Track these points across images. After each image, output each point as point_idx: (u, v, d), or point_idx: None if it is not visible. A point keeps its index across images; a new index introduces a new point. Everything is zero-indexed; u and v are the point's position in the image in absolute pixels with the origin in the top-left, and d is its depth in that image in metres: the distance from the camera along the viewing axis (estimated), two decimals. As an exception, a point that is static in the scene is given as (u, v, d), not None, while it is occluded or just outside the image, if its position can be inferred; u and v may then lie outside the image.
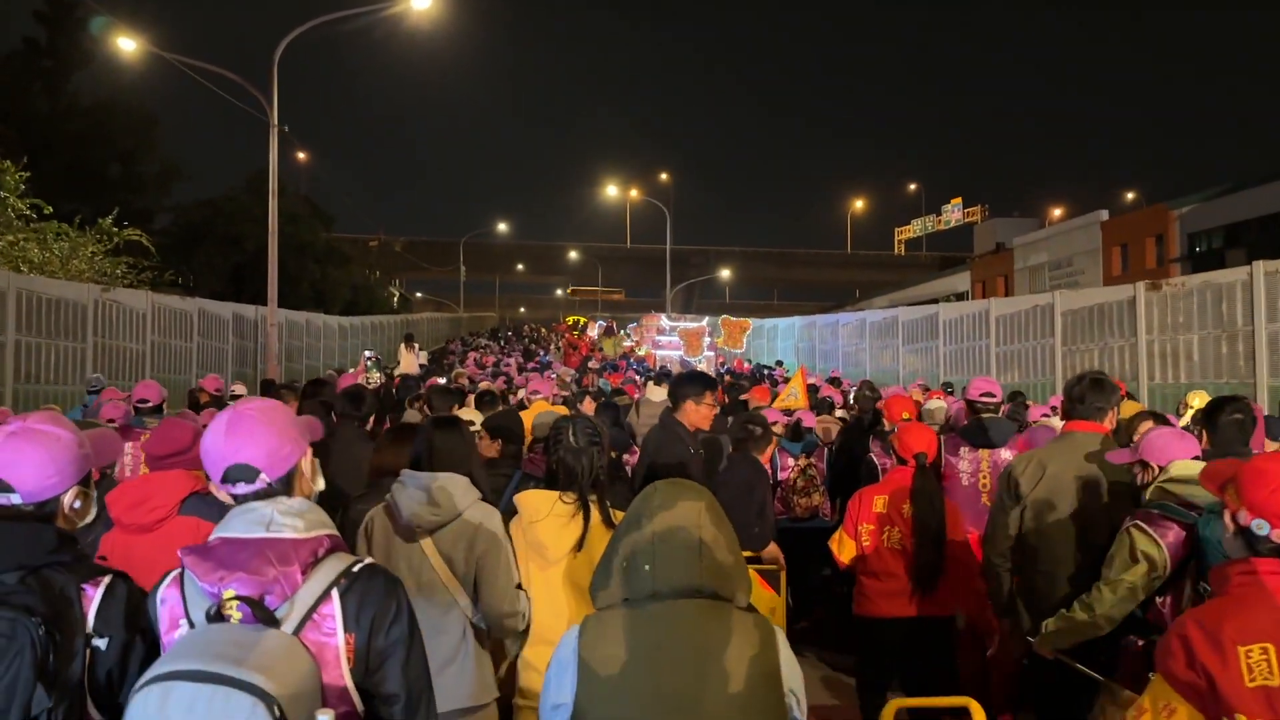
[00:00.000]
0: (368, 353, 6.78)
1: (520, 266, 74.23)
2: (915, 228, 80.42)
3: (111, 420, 5.83)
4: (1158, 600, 3.11)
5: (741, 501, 5.16)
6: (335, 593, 1.75)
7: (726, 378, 16.80)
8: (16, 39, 27.16)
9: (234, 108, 16.81)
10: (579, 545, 3.09)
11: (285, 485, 1.88)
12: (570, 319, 39.64)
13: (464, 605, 2.99)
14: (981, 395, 5.71)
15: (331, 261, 32.66)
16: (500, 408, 6.83)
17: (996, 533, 3.91)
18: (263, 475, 1.83)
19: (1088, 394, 3.86)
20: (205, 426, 2.00)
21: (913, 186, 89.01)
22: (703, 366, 23.36)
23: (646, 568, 1.91)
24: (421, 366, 22.90)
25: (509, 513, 3.24)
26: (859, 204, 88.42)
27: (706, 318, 29.56)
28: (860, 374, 19.51)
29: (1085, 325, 13.72)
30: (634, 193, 57.62)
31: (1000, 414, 6.02)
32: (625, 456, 6.39)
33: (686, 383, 4.99)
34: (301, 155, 52.85)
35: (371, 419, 6.30)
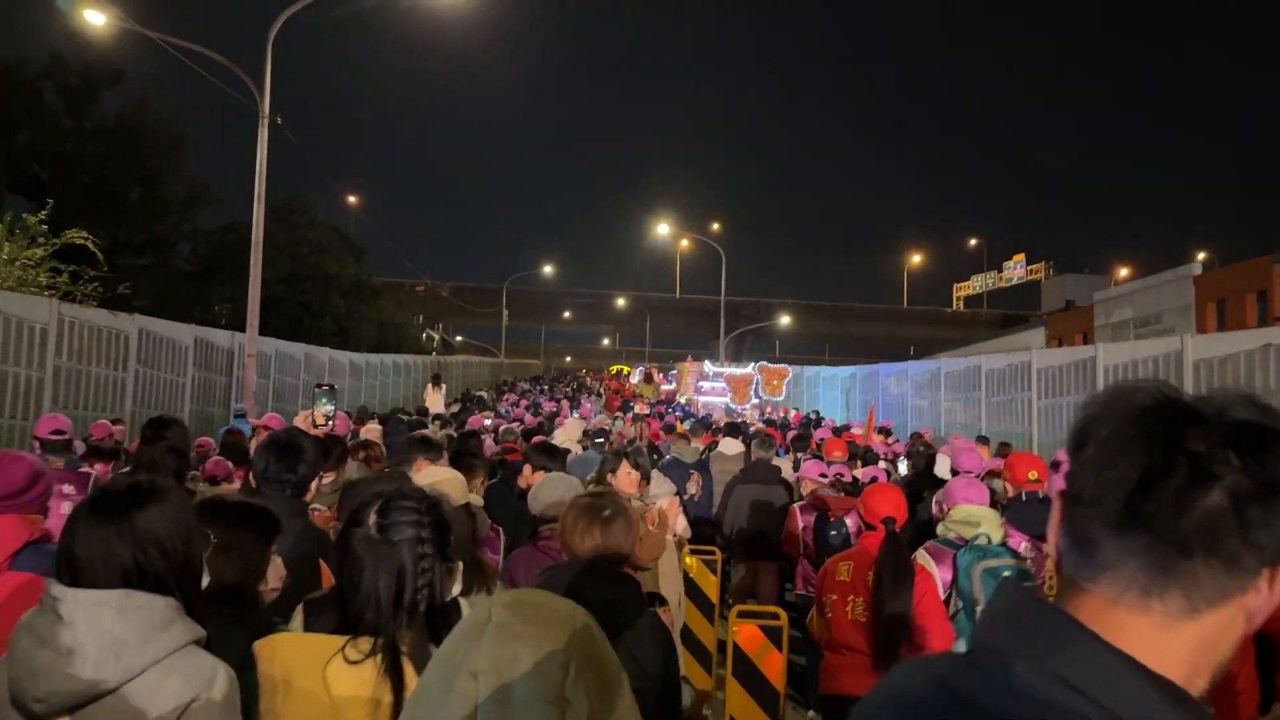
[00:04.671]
0: (320, 387, 4.66)
1: (567, 314, 72.85)
2: (974, 284, 79.05)
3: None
4: None
5: None
6: None
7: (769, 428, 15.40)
8: (44, 53, 25.75)
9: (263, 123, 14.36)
10: None
11: None
12: (614, 368, 38.93)
13: None
14: None
15: (359, 296, 30.70)
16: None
17: None
18: None
19: None
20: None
21: (973, 242, 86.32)
22: (748, 415, 22.98)
23: None
24: (448, 407, 21.18)
25: None
26: (916, 259, 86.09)
27: (752, 364, 28.20)
28: (967, 435, 16.15)
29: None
30: (685, 242, 56.22)
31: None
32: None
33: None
34: (352, 199, 52.00)
35: (315, 483, 3.71)
